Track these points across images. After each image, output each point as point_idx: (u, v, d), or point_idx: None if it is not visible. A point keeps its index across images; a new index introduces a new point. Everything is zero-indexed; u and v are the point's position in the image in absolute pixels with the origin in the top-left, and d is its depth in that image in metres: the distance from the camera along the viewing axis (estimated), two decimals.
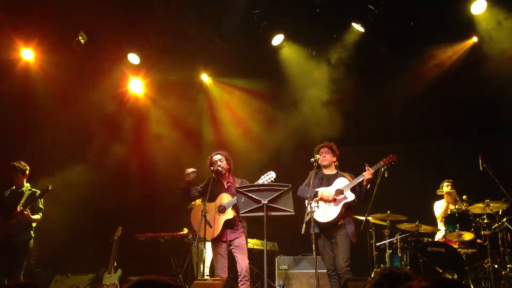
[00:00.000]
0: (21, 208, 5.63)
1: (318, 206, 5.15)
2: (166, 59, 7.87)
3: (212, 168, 5.50)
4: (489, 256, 5.64)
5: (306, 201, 5.10)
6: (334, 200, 5.20)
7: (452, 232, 5.88)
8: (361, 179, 5.19)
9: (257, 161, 7.81)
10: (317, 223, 5.14)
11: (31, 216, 5.69)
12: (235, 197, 5.33)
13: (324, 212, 5.19)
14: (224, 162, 5.61)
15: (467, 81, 7.30)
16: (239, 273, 5.29)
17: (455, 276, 5.51)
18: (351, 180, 5.28)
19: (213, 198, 5.51)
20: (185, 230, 7.36)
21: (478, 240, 6.01)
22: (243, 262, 5.28)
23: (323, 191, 5.26)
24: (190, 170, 5.46)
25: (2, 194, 6.01)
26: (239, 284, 5.24)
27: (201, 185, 5.73)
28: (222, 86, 8.72)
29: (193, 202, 7.07)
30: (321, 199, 5.23)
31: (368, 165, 5.21)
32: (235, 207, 5.38)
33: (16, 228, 5.66)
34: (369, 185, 5.21)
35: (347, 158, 5.80)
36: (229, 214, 5.38)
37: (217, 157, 5.63)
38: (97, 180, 8.08)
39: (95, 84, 7.81)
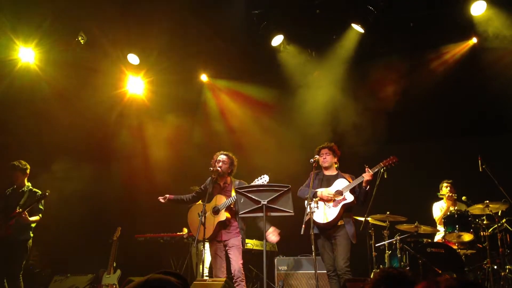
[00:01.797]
0: (20, 210, 5.62)
1: (317, 207, 5.15)
2: (165, 60, 7.87)
3: (211, 168, 5.52)
4: (488, 257, 5.63)
5: (306, 202, 5.10)
6: (334, 200, 5.20)
7: (452, 233, 5.87)
8: (360, 181, 5.18)
9: (257, 162, 7.82)
10: (317, 224, 5.14)
11: (29, 218, 5.68)
12: (230, 198, 5.35)
13: (323, 213, 5.19)
14: (227, 165, 5.60)
15: (466, 82, 7.30)
16: (232, 274, 5.31)
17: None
18: (351, 181, 5.28)
19: (209, 199, 5.54)
20: (185, 231, 7.36)
21: (479, 245, 5.99)
22: (235, 263, 5.29)
23: (323, 191, 5.26)
24: (161, 199, 5.99)
25: (4, 192, 6.01)
26: (234, 283, 5.25)
27: (201, 187, 5.77)
28: (222, 86, 8.72)
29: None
30: (321, 199, 5.23)
31: (368, 166, 5.21)
32: (229, 209, 5.41)
33: (15, 228, 5.66)
34: (368, 186, 5.20)
35: (346, 159, 5.79)
36: (222, 216, 5.40)
37: (222, 157, 5.64)
38: (97, 181, 8.07)
39: (95, 85, 7.81)
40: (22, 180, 5.98)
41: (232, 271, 5.30)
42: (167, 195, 5.92)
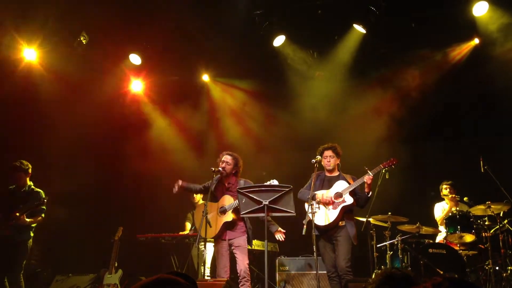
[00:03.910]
0: (18, 214, 5.61)
1: (319, 207, 5.14)
2: (167, 60, 7.88)
3: (212, 169, 5.51)
4: (490, 258, 5.63)
5: (306, 204, 5.10)
6: (333, 203, 5.18)
7: (453, 234, 5.87)
8: (360, 182, 5.15)
9: (259, 163, 7.82)
10: (317, 227, 5.12)
11: (27, 220, 5.66)
12: (237, 200, 5.33)
13: (323, 216, 5.17)
14: (231, 166, 5.58)
15: (468, 82, 7.29)
16: (238, 274, 5.31)
17: None
18: (352, 182, 5.24)
19: (215, 199, 5.56)
20: (187, 226, 7.39)
21: (481, 246, 5.99)
22: (242, 263, 5.29)
23: (323, 194, 5.24)
24: (175, 187, 5.86)
25: (5, 191, 6.00)
26: (239, 286, 5.24)
27: (205, 184, 5.76)
28: (223, 87, 8.73)
29: (196, 201, 7.18)
30: (320, 202, 5.21)
31: (368, 168, 5.16)
32: (236, 210, 5.39)
33: (15, 228, 5.65)
34: (370, 193, 5.18)
35: (346, 160, 5.77)
36: (229, 216, 5.40)
37: (226, 157, 5.62)
38: (98, 180, 8.08)
39: (97, 85, 7.81)
40: (25, 180, 5.97)
41: (238, 271, 5.30)
42: (180, 182, 5.83)
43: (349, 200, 5.14)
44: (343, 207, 5.14)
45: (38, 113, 7.49)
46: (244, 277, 5.23)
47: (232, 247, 5.40)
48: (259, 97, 8.45)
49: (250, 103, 8.55)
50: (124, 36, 7.28)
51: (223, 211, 5.43)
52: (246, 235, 5.44)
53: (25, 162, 5.97)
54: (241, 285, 5.21)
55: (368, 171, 5.13)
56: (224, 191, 5.59)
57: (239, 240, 5.39)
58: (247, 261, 5.34)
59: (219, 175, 5.61)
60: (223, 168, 5.54)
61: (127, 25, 7.04)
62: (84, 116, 7.69)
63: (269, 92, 8.35)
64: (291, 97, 8.08)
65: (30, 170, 6.00)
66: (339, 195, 5.19)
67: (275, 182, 5.20)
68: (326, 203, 5.20)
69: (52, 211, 6.30)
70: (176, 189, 5.84)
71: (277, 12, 7.04)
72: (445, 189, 6.51)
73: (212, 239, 5.59)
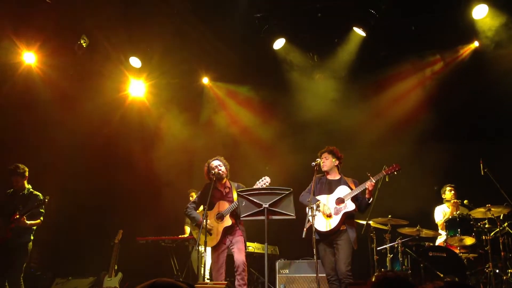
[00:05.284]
0: (18, 215, 5.62)
1: (319, 210, 5.13)
2: (167, 63, 7.89)
3: (213, 172, 5.49)
4: (490, 261, 5.62)
5: (307, 207, 5.09)
6: (331, 215, 5.15)
7: (453, 237, 5.86)
8: (362, 188, 5.12)
9: (259, 164, 7.82)
10: (318, 232, 5.11)
11: (28, 222, 5.67)
12: (233, 204, 5.34)
13: (324, 221, 5.15)
14: (223, 167, 5.60)
15: (468, 85, 7.30)
16: (235, 269, 5.29)
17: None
18: (353, 187, 5.22)
19: (211, 206, 5.51)
20: (187, 230, 7.38)
21: (481, 251, 5.99)
22: (239, 258, 5.29)
23: (323, 205, 5.21)
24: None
25: (3, 195, 6.01)
26: (236, 275, 5.25)
27: (197, 196, 5.77)
28: (223, 89, 8.74)
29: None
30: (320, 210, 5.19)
31: (370, 174, 5.12)
32: (233, 214, 5.40)
33: (15, 231, 5.65)
34: (371, 199, 5.17)
35: (348, 162, 5.77)
36: (228, 221, 5.39)
37: (215, 162, 5.62)
38: (98, 183, 8.08)
39: (97, 88, 7.82)
40: (22, 183, 5.98)
41: (236, 266, 5.29)
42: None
43: (351, 206, 5.11)
44: (345, 213, 5.11)
45: (37, 117, 7.49)
46: (242, 270, 5.22)
47: (231, 246, 5.43)
48: (259, 99, 8.46)
49: (251, 105, 8.56)
50: (124, 39, 7.28)
51: (220, 217, 5.43)
52: (243, 236, 5.46)
53: (21, 166, 5.97)
54: (240, 278, 5.21)
55: (371, 177, 5.08)
56: (222, 196, 5.57)
57: (237, 238, 5.42)
58: (244, 254, 5.35)
59: (213, 182, 5.52)
60: (223, 171, 5.55)
61: (128, 28, 7.05)
62: (84, 119, 7.69)
63: (269, 95, 8.35)
64: (291, 99, 8.09)
65: (26, 173, 5.99)
66: (341, 200, 5.17)
67: (267, 179, 5.23)
68: (326, 215, 5.16)
69: (52, 214, 6.29)
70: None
71: (277, 15, 7.05)
72: (449, 191, 6.52)
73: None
